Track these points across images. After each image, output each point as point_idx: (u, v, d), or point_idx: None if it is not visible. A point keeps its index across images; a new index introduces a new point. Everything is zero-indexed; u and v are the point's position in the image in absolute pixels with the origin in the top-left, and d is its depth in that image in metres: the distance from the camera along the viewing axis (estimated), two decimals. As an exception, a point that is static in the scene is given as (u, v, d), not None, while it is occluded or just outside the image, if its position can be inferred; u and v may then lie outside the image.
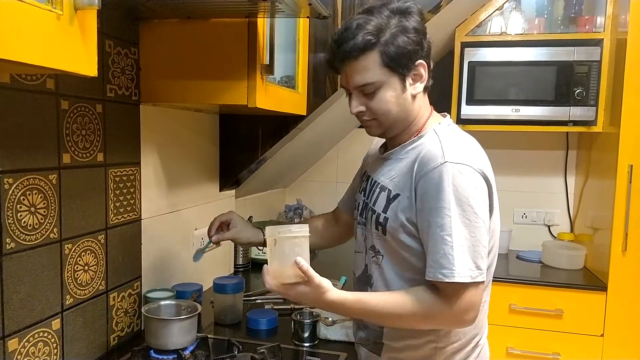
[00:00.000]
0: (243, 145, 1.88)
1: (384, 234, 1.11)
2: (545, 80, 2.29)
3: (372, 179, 1.20)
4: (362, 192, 1.24)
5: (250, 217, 2.23)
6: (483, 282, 1.02)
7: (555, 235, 2.67)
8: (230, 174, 1.93)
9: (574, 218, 2.64)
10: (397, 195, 1.09)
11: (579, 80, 2.25)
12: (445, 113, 1.20)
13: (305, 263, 1.02)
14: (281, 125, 1.81)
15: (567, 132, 2.58)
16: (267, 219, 2.53)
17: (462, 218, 0.99)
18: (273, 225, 1.21)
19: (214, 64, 1.33)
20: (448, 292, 1.01)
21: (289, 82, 1.65)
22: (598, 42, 2.26)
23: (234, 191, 2.07)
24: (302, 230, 1.06)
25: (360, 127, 2.76)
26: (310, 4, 1.14)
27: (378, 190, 1.15)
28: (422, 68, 1.09)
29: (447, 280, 0.99)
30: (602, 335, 2.15)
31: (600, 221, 2.30)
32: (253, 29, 1.30)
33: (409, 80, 1.09)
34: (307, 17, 1.40)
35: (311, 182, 2.96)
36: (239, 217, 1.44)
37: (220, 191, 1.94)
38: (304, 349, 1.38)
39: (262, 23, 1.32)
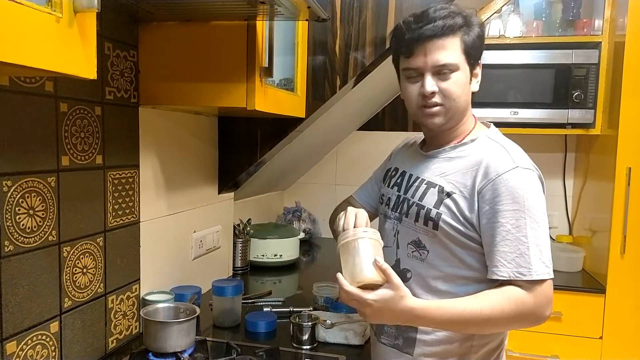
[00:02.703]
0: (242, 148, 1.88)
1: (435, 229, 1.12)
2: (543, 83, 2.30)
3: (412, 175, 1.22)
4: (395, 187, 1.25)
5: (249, 219, 2.23)
6: (552, 278, 1.07)
7: (554, 238, 2.67)
8: (229, 177, 1.93)
9: (573, 220, 2.65)
10: (452, 192, 1.11)
11: (577, 83, 2.26)
12: (488, 122, 1.24)
13: (385, 263, 1.00)
14: (280, 127, 1.81)
15: (566, 135, 2.59)
16: (266, 222, 2.53)
17: (536, 219, 1.05)
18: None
19: (213, 66, 1.34)
20: (528, 290, 1.04)
21: (287, 84, 1.65)
22: (596, 45, 2.26)
23: (232, 194, 2.07)
24: (375, 234, 1.05)
25: (360, 129, 2.79)
26: (309, 7, 1.14)
27: (424, 186, 1.16)
28: (479, 69, 1.15)
29: (525, 278, 1.03)
30: (600, 337, 2.16)
31: (598, 224, 2.30)
32: (252, 32, 1.31)
33: (471, 76, 1.14)
34: (306, 20, 1.40)
35: (310, 184, 2.96)
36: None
37: (219, 194, 1.94)
38: (303, 351, 1.37)
39: (261, 26, 1.32)
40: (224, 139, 1.89)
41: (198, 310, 1.30)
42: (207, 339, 1.37)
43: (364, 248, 1.03)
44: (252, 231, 2.21)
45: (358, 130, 2.81)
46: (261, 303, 1.74)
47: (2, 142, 0.98)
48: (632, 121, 2.06)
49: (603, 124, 2.25)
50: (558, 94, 2.28)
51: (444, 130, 1.18)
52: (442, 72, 1.10)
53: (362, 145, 2.80)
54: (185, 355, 1.25)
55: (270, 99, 1.41)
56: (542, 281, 1.04)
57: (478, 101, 2.32)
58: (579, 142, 2.60)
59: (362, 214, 1.16)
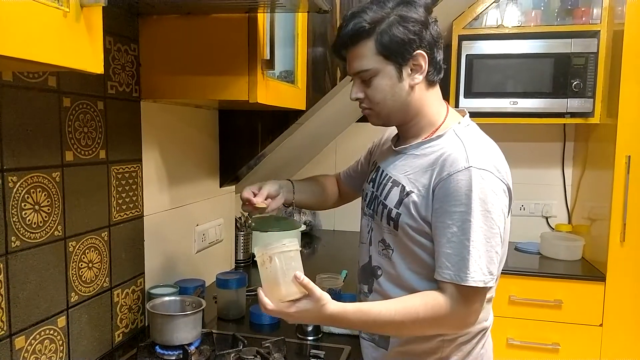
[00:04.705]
0: (242, 141, 1.88)
1: (395, 229, 1.11)
2: (542, 72, 2.30)
3: (383, 172, 1.20)
4: (371, 183, 1.23)
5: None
6: (491, 287, 1.04)
7: (553, 227, 2.69)
8: (230, 170, 1.93)
9: (572, 209, 2.66)
10: (411, 192, 1.09)
11: (576, 72, 2.26)
12: (464, 110, 1.20)
13: (305, 277, 1.02)
14: (280, 120, 1.81)
15: (564, 124, 2.59)
16: (267, 214, 2.53)
17: (482, 224, 1.00)
18: (259, 226, 1.21)
19: (215, 59, 1.33)
20: (459, 295, 1.02)
21: (288, 76, 1.65)
22: (595, 34, 2.27)
23: (234, 187, 2.08)
24: (293, 244, 1.04)
25: (359, 121, 2.79)
26: (310, -2, 1.14)
27: (390, 184, 1.15)
28: (422, 58, 1.08)
29: (462, 283, 1.00)
30: (601, 325, 2.18)
31: (598, 212, 2.32)
32: (253, 24, 1.30)
33: (406, 70, 1.09)
34: (307, 11, 1.40)
35: (310, 176, 2.96)
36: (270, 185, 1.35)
37: (220, 187, 1.94)
38: (308, 342, 1.38)
39: (262, 18, 1.32)
40: (224, 132, 1.89)
41: (204, 303, 1.31)
42: (213, 331, 1.37)
43: (284, 263, 1.02)
44: (253, 224, 2.21)
45: (357, 122, 2.82)
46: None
47: (7, 137, 0.97)
48: (631, 110, 2.06)
49: (602, 113, 2.26)
50: (557, 83, 2.29)
51: (399, 126, 1.19)
52: (363, 78, 1.11)
53: (361, 137, 2.80)
54: (192, 347, 1.25)
55: (271, 92, 1.41)
56: (475, 289, 1.00)
57: (477, 91, 2.35)
58: (577, 131, 2.61)
59: (264, 190, 1.29)
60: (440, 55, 1.12)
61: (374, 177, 1.24)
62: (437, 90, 1.16)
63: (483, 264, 1.00)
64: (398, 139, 1.24)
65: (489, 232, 1.01)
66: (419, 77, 1.10)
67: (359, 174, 1.45)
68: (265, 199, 1.32)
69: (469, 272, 0.99)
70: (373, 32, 1.06)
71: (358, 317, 1.05)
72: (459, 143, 1.07)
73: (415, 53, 1.07)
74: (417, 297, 1.04)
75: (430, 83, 1.13)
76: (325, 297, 1.03)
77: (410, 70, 1.09)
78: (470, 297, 1.02)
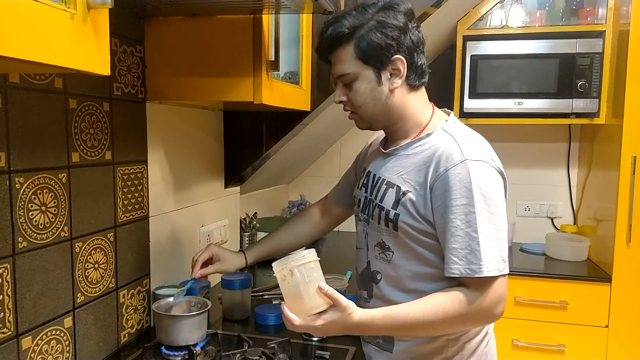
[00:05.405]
0: (247, 142, 1.88)
1: (395, 230, 1.11)
2: (547, 72, 2.30)
3: (375, 175, 1.20)
4: (363, 188, 1.24)
5: (255, 213, 2.24)
6: (508, 273, 1.04)
7: (559, 228, 2.68)
8: (235, 171, 1.94)
9: (577, 210, 2.65)
10: (407, 191, 1.09)
11: (581, 73, 2.25)
12: (448, 110, 1.21)
13: (329, 287, 1.00)
14: (285, 121, 1.81)
15: (570, 125, 2.59)
16: (272, 215, 2.54)
17: (487, 213, 1.01)
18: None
19: (220, 60, 1.33)
20: (478, 288, 1.02)
21: (292, 77, 1.65)
22: (600, 34, 2.26)
23: (238, 188, 2.08)
24: (312, 254, 1.02)
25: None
26: (315, 0, 1.14)
27: (384, 186, 1.15)
28: (400, 63, 1.10)
29: (476, 275, 1.00)
30: (606, 326, 2.17)
31: (603, 213, 2.31)
32: (258, 25, 1.30)
33: (385, 75, 1.11)
34: (312, 12, 1.40)
35: (314, 177, 2.96)
36: (219, 249, 1.43)
37: (225, 188, 1.95)
38: (313, 343, 1.38)
39: (267, 19, 1.32)
40: (229, 133, 1.90)
41: (209, 303, 1.31)
42: (218, 331, 1.37)
43: (306, 275, 1.00)
44: (258, 225, 2.21)
45: (361, 122, 2.82)
46: (270, 296, 1.75)
47: (14, 139, 0.98)
48: (636, 110, 2.06)
49: (607, 113, 2.25)
50: (562, 83, 2.28)
51: (385, 129, 1.20)
52: (345, 82, 1.13)
53: (365, 138, 2.77)
54: (198, 348, 1.26)
55: (276, 93, 1.41)
56: (493, 278, 1.01)
57: (482, 92, 2.34)
58: (583, 131, 2.60)
59: (211, 268, 1.36)
60: (421, 60, 1.13)
61: (365, 182, 1.24)
62: (421, 94, 1.17)
63: (496, 253, 1.01)
64: (386, 142, 1.24)
65: (496, 220, 1.02)
66: (398, 82, 1.12)
67: (348, 187, 1.44)
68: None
69: (482, 263, 1.00)
70: (352, 37, 1.08)
71: (386, 322, 1.04)
72: (449, 139, 1.09)
73: (393, 58, 1.09)
74: (443, 296, 1.04)
75: (412, 87, 1.14)
76: (351, 305, 1.02)
77: (390, 74, 1.11)
78: (489, 287, 1.02)
